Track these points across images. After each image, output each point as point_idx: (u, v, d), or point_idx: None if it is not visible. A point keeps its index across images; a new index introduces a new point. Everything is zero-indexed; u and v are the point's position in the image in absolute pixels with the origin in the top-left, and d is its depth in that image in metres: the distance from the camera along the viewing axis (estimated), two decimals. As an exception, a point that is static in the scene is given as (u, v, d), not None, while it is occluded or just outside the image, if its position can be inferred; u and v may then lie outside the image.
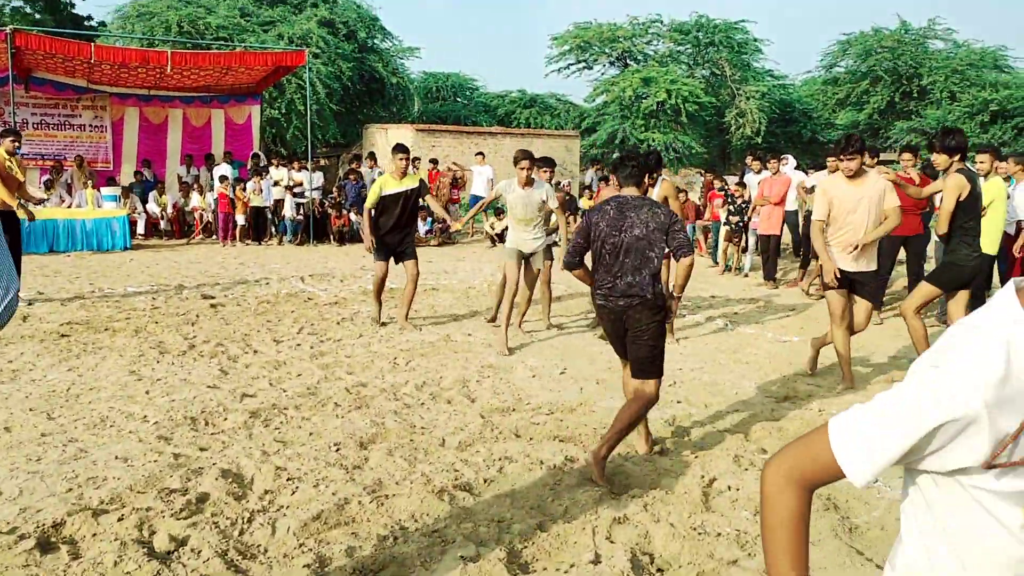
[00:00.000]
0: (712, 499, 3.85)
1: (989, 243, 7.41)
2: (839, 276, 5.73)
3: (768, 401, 5.67)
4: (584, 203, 12.61)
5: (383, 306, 8.31)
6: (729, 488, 3.98)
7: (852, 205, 5.66)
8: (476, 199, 18.11)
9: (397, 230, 7.91)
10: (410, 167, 8.12)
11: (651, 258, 4.19)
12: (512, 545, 3.40)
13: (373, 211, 7.92)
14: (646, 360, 4.20)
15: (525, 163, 7.17)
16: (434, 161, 19.07)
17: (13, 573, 3.12)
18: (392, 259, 8.03)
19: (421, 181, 8.05)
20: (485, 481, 4.10)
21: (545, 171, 7.73)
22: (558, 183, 18.30)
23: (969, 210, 5.88)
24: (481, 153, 18.47)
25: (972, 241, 5.98)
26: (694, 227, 15.02)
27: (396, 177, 7.85)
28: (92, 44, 14.72)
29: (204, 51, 17.72)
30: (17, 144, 8.82)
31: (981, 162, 7.54)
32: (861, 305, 5.92)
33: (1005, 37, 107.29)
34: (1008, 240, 7.82)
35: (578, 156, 26.62)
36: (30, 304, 8.83)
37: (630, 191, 4.36)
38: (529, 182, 7.25)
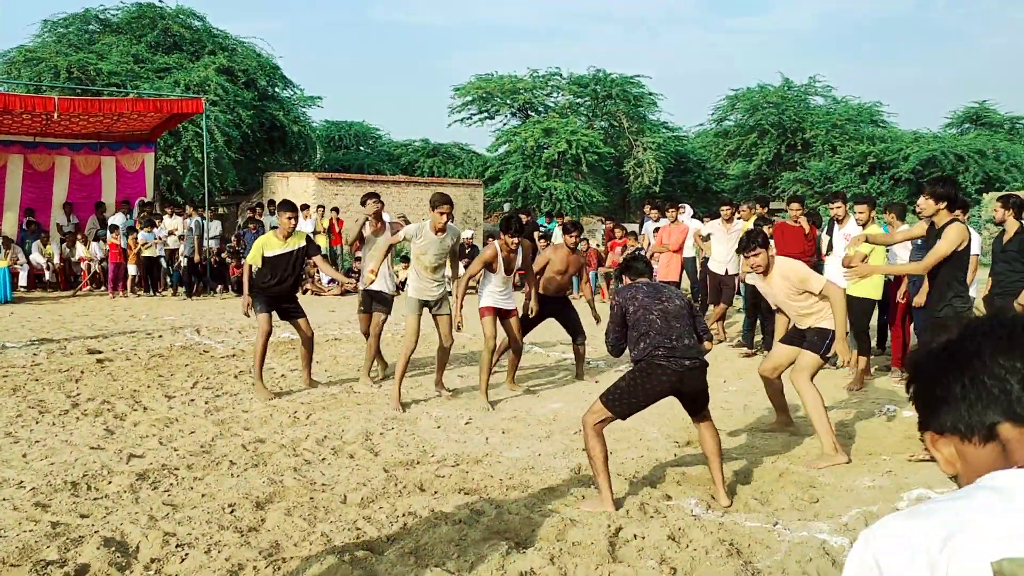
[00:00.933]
0: (619, 549, 3.83)
1: (872, 288, 7.78)
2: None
3: (671, 446, 5.73)
4: (652, 243, 12.08)
5: (264, 369, 7.37)
6: (635, 537, 3.97)
7: (775, 301, 5.84)
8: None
9: (281, 287, 7.31)
10: (299, 224, 7.66)
11: (695, 326, 4.63)
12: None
13: (253, 268, 7.40)
14: (705, 404, 4.68)
15: (445, 208, 6.79)
16: (336, 209, 18.86)
17: None
18: (278, 314, 7.42)
19: (308, 239, 7.47)
20: (388, 539, 3.98)
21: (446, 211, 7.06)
22: (458, 235, 18.41)
23: (961, 261, 5.65)
24: (380, 201, 18.31)
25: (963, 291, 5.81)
26: (596, 274, 15.26)
27: (280, 237, 7.24)
28: (-28, 88, 14.01)
29: (95, 97, 17.11)
30: None
31: (860, 212, 7.95)
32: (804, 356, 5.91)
33: (880, 94, 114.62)
34: (890, 287, 8.22)
35: (482, 204, 26.82)
36: None
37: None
38: (443, 227, 6.90)
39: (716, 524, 4.16)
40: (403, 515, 4.28)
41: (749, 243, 5.51)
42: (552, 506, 4.45)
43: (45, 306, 13.30)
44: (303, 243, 7.37)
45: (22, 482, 4.80)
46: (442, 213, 6.79)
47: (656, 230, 13.30)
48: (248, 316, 7.43)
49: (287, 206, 7.41)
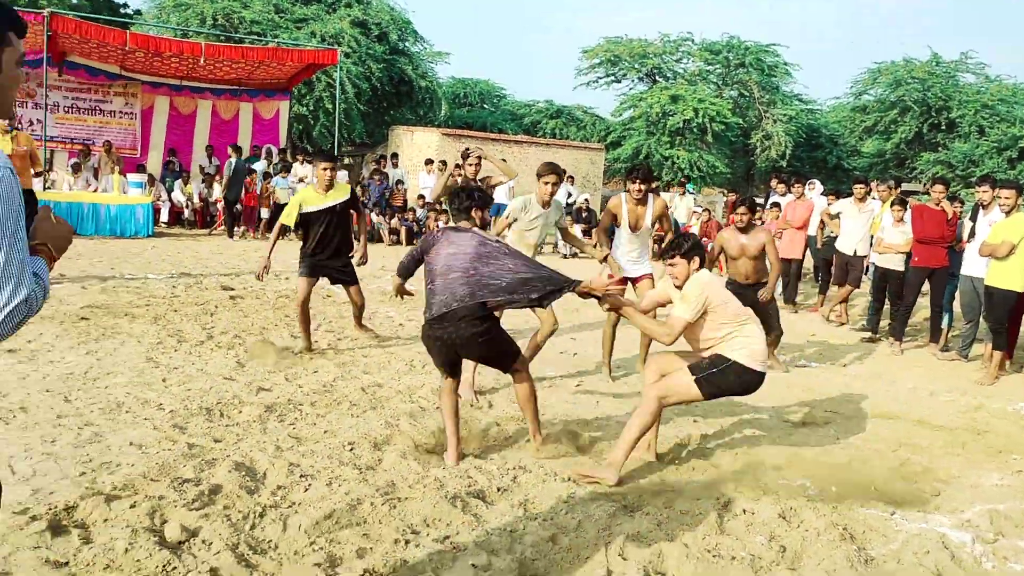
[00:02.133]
0: (727, 522, 3.80)
1: (1018, 279, 7.32)
2: None
3: (785, 426, 5.61)
4: (770, 217, 11.82)
5: (308, 328, 6.89)
6: (744, 512, 3.92)
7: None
8: (498, 207, 18.13)
9: (327, 249, 6.78)
10: (337, 177, 6.85)
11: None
12: (524, 555, 3.36)
13: (294, 228, 6.85)
14: (500, 360, 4.65)
15: (552, 178, 6.08)
16: (458, 165, 19.08)
17: (24, 554, 3.11)
18: (328, 279, 7.04)
19: (353, 192, 6.89)
20: (499, 490, 4.07)
21: (553, 183, 6.20)
22: (570, 200, 18.32)
23: None
24: (504, 159, 18.43)
25: None
26: (712, 245, 14.93)
27: (320, 191, 6.66)
28: (127, 31, 14.85)
29: (237, 45, 17.82)
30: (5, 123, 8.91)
31: (1006, 198, 7.47)
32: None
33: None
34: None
35: (602, 169, 26.61)
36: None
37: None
38: (550, 200, 6.23)
39: (830, 508, 4.06)
40: (513, 468, 4.37)
41: (668, 249, 4.59)
42: (661, 474, 4.45)
43: (183, 242, 14.09)
44: (346, 196, 6.79)
45: (162, 404, 5.15)
46: (547, 183, 6.11)
47: (774, 205, 12.90)
48: (261, 280, 7.03)
49: (324, 156, 6.83)
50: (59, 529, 3.37)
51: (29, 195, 9.05)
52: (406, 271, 4.78)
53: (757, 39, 30.57)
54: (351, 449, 4.52)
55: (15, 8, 1.99)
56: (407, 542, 3.42)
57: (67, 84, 16.62)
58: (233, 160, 15.56)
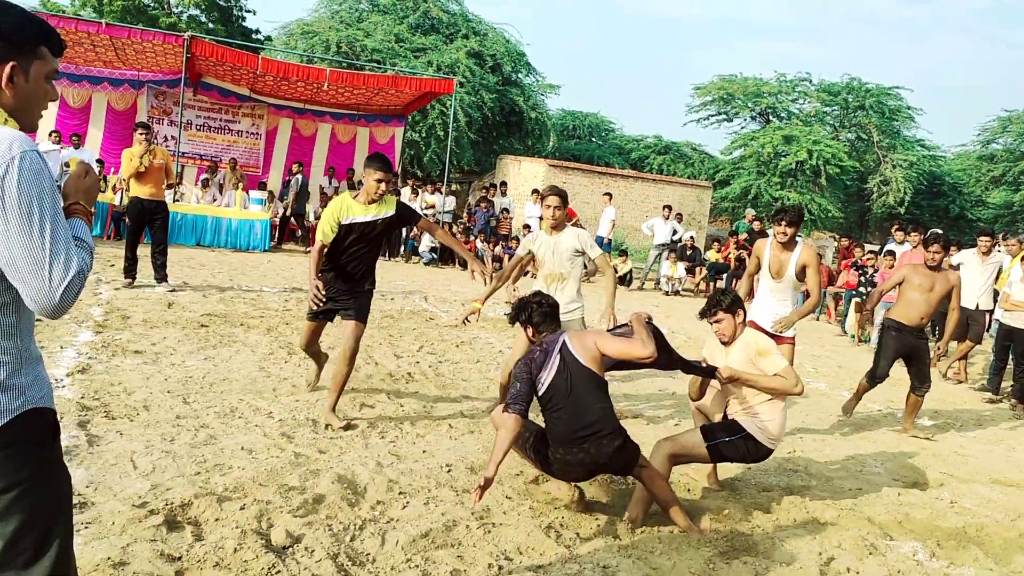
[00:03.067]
0: (829, 579, 3.67)
1: None
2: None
3: (895, 484, 5.37)
4: (883, 265, 11.70)
5: (321, 362, 6.07)
6: (848, 570, 3.78)
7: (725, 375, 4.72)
8: (599, 240, 18.11)
9: (347, 273, 5.48)
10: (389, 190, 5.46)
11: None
12: (617, 594, 3.33)
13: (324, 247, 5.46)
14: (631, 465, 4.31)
15: (552, 200, 5.52)
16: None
17: (141, 546, 3.28)
18: (332, 311, 5.59)
19: (401, 204, 5.49)
20: (595, 525, 4.05)
21: (555, 205, 5.55)
22: (675, 236, 18.12)
23: None
24: (608, 194, 18.47)
25: None
26: (825, 292, 14.50)
27: (363, 202, 5.36)
28: (259, 56, 15.65)
29: (359, 72, 18.52)
30: (148, 136, 9.44)
31: None
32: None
33: None
34: None
35: (708, 207, 26.28)
36: (173, 291, 9.39)
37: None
38: (559, 225, 5.67)
39: (941, 573, 3.87)
40: (615, 505, 4.33)
41: (710, 307, 4.51)
42: (761, 522, 4.33)
43: (296, 258, 14.65)
44: (392, 211, 5.40)
45: (271, 413, 5.35)
46: (547, 206, 5.57)
47: (889, 252, 12.45)
48: (316, 302, 5.43)
49: (379, 161, 5.30)
50: (174, 524, 3.54)
51: (160, 206, 9.72)
52: (527, 401, 3.99)
53: (879, 81, 29.73)
54: (448, 471, 4.59)
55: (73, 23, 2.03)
56: (500, 568, 3.44)
57: (200, 104, 17.62)
58: (299, 177, 16.32)
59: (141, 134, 9.39)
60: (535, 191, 19.48)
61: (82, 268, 1.84)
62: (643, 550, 3.78)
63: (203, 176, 16.37)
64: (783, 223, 5.82)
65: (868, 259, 13.51)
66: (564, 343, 4.08)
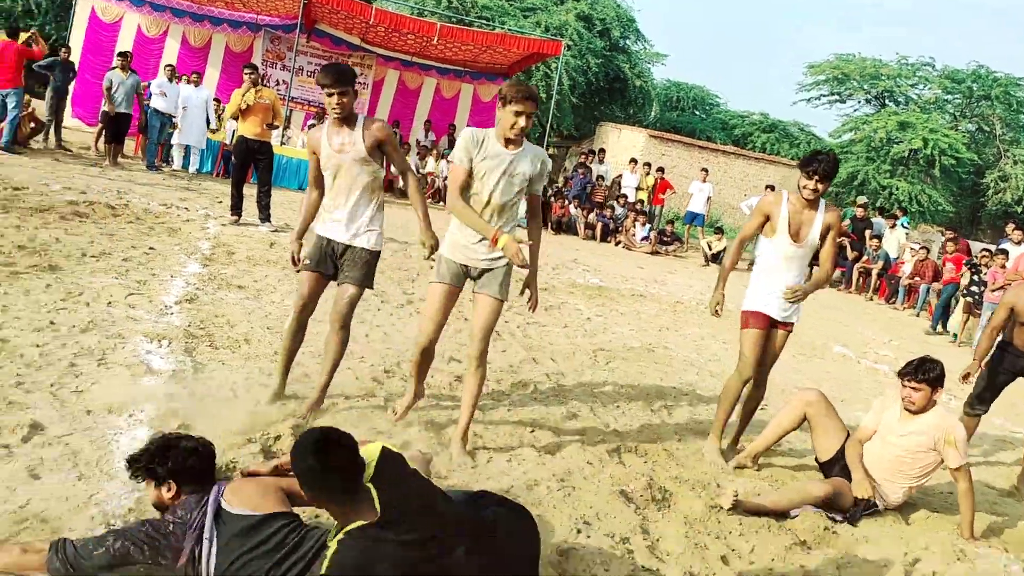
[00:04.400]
0: (913, 581, 3.58)
1: None
2: None
3: (990, 492, 5.17)
4: (996, 264, 11.16)
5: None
6: (934, 574, 3.67)
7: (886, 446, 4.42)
8: (692, 215, 17.81)
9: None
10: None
11: None
12: (692, 570, 3.33)
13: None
14: None
15: (524, 106, 3.89)
16: (661, 169, 18.89)
17: (239, 466, 3.44)
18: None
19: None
20: (670, 498, 4.05)
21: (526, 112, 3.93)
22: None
23: None
24: (705, 170, 18.08)
25: None
26: (928, 288, 13.94)
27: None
28: (373, 6, 15.83)
29: (469, 28, 18.52)
30: (253, 76, 9.70)
31: None
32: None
33: None
34: None
35: (811, 191, 25.40)
36: (276, 232, 9.69)
37: None
38: (518, 139, 4.04)
39: (1033, 590, 3.73)
40: (691, 481, 4.32)
41: (912, 371, 4.22)
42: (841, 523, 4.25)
43: (392, 209, 14.87)
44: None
45: (363, 357, 5.51)
46: (518, 113, 3.91)
47: (1001, 251, 11.85)
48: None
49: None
50: (270, 455, 3.69)
51: (265, 146, 10.01)
52: None
53: (1009, 71, 28.01)
54: (532, 431, 4.64)
55: None
56: (578, 531, 3.48)
57: (313, 51, 17.96)
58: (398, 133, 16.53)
59: (248, 74, 9.71)
60: (633, 160, 19.26)
61: None
62: (721, 530, 3.76)
63: (310, 122, 16.75)
64: (815, 176, 4.48)
65: (983, 256, 12.90)
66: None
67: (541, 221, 4.44)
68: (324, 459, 2.32)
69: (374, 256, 4.48)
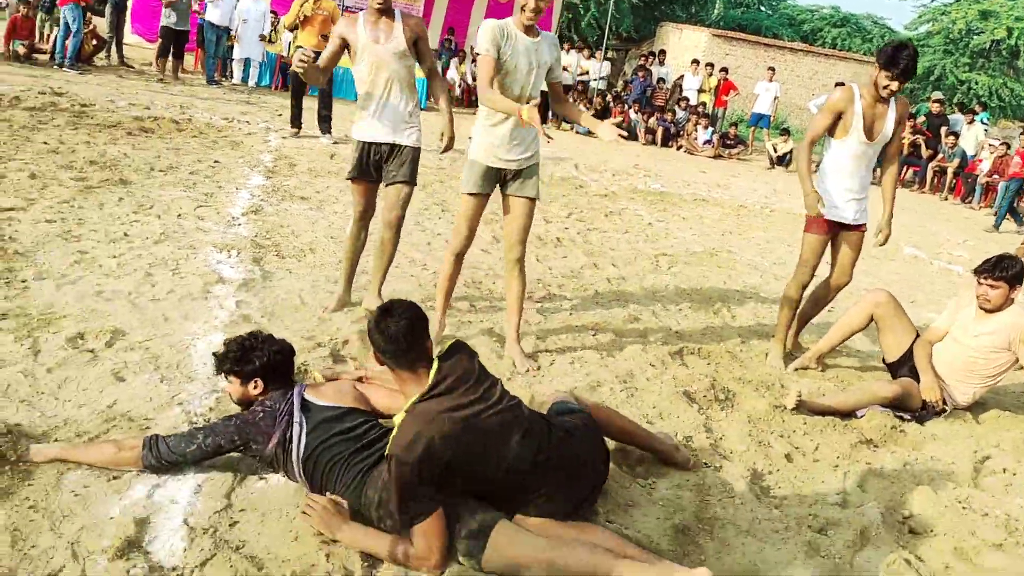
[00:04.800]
0: (983, 477, 3.55)
1: None
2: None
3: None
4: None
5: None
6: (1004, 471, 3.63)
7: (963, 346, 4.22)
8: (758, 117, 17.25)
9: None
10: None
11: None
12: (756, 467, 3.36)
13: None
14: None
15: None
16: (724, 70, 18.25)
17: (312, 370, 3.56)
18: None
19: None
20: (731, 399, 4.06)
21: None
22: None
23: None
24: (772, 68, 17.40)
25: None
26: (1006, 186, 13.36)
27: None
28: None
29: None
30: None
31: None
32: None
33: None
34: None
35: (884, 88, 24.29)
36: (336, 143, 9.73)
37: None
38: (532, 28, 3.84)
39: (1107, 487, 3.66)
40: (755, 382, 4.32)
41: (991, 268, 4.06)
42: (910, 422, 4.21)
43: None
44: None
45: (426, 264, 5.57)
46: None
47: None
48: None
49: None
50: (337, 358, 3.80)
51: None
52: None
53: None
54: (594, 335, 4.67)
55: None
56: (641, 430, 3.52)
57: (365, -43, 17.59)
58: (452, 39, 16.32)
59: None
60: (695, 61, 18.63)
61: None
62: (785, 429, 3.76)
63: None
64: (893, 72, 4.15)
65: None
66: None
67: (569, 104, 4.44)
68: (390, 321, 2.53)
69: (418, 153, 4.46)
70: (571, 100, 15.75)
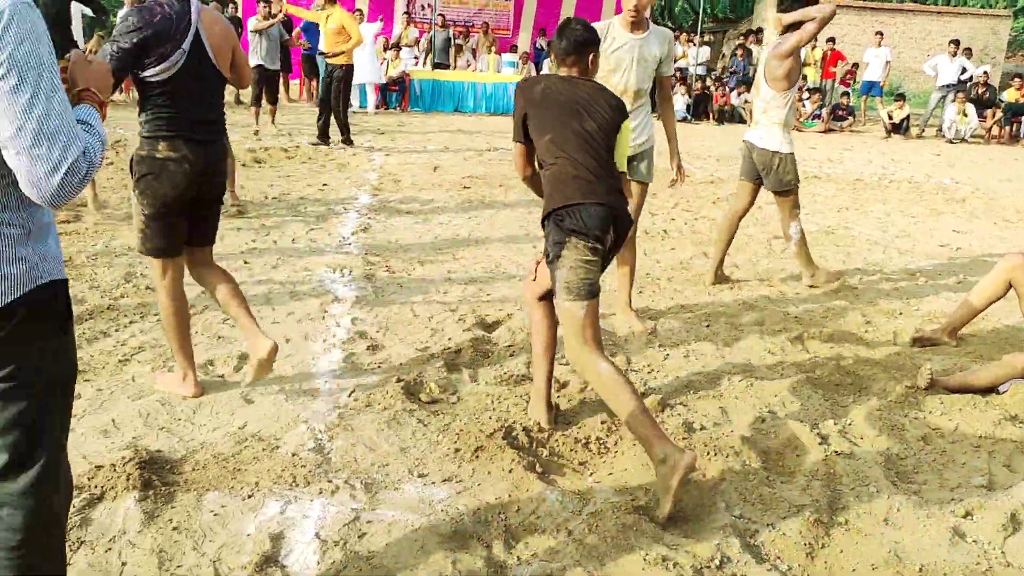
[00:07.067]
0: None
1: None
2: None
3: None
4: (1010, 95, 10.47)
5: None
6: None
7: None
8: (869, 85, 16.47)
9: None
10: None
11: None
12: (891, 452, 3.20)
13: None
14: None
15: None
16: (831, 39, 17.53)
17: (428, 381, 3.63)
18: None
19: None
20: (864, 379, 3.88)
21: None
22: (964, 76, 15.96)
23: None
24: (880, 33, 16.58)
25: None
26: None
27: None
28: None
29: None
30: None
31: None
32: None
33: None
34: None
35: (1006, 40, 22.84)
36: (412, 154, 9.91)
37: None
38: (640, 22, 4.12)
39: None
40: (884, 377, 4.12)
41: None
42: None
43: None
44: None
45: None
46: None
47: None
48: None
49: None
50: (452, 367, 3.86)
51: (350, 70, 10.05)
52: None
53: None
54: (707, 326, 4.56)
55: None
56: (763, 420, 3.41)
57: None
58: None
59: None
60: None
61: (88, 152, 1.57)
62: (920, 410, 3.57)
63: (456, 41, 16.77)
64: None
65: None
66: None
67: (672, 102, 4.66)
68: (564, 28, 3.11)
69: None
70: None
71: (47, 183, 1.51)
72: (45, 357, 1.70)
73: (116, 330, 4.11)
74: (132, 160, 3.20)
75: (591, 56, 3.11)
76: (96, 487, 2.71)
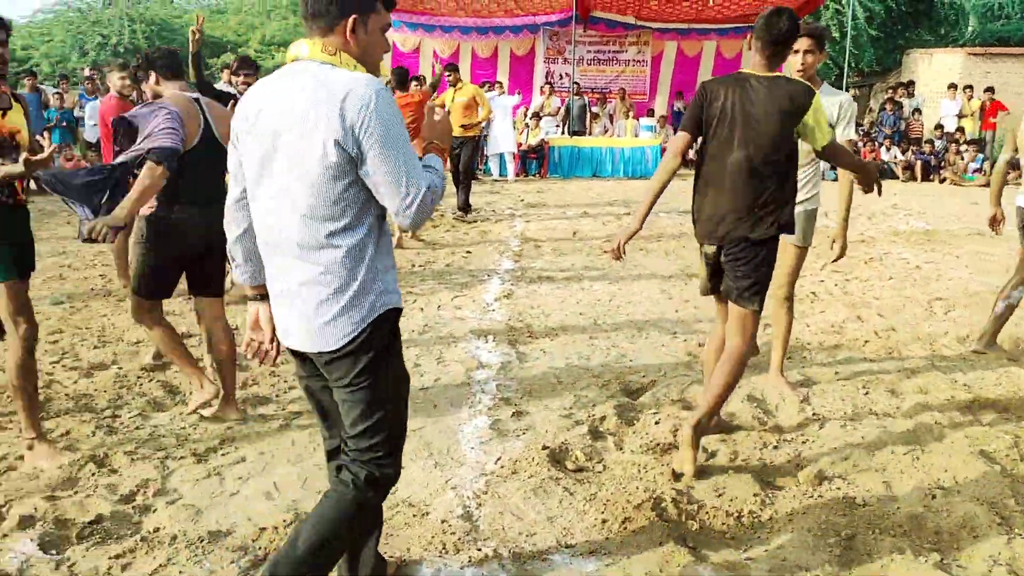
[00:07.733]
0: None
1: None
2: None
3: None
4: None
5: None
6: None
7: None
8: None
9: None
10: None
11: None
12: (1083, 537, 2.90)
13: None
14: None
15: (804, 43, 3.88)
16: (990, 89, 16.62)
17: (573, 446, 3.61)
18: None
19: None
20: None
21: (805, 49, 3.94)
22: None
23: None
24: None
25: None
26: None
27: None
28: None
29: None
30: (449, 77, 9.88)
31: None
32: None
33: None
34: None
35: None
36: (527, 222, 10.01)
37: None
38: (812, 81, 3.97)
39: None
40: None
41: None
42: None
43: (686, 181, 14.68)
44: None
45: (675, 333, 5.49)
46: (797, 51, 3.87)
47: None
48: None
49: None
50: (597, 435, 3.83)
51: (477, 142, 10.19)
52: None
53: None
54: (866, 394, 4.33)
55: None
56: (933, 497, 3.18)
57: (590, 39, 18.27)
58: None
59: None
60: (951, 86, 17.18)
61: (432, 186, 2.07)
62: (1116, 491, 3.23)
63: (594, 108, 17.04)
64: None
65: None
66: None
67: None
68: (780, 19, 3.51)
69: None
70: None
71: (407, 213, 2.05)
72: (387, 367, 2.26)
73: (277, 395, 4.34)
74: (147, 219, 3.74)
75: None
76: (260, 548, 2.84)
